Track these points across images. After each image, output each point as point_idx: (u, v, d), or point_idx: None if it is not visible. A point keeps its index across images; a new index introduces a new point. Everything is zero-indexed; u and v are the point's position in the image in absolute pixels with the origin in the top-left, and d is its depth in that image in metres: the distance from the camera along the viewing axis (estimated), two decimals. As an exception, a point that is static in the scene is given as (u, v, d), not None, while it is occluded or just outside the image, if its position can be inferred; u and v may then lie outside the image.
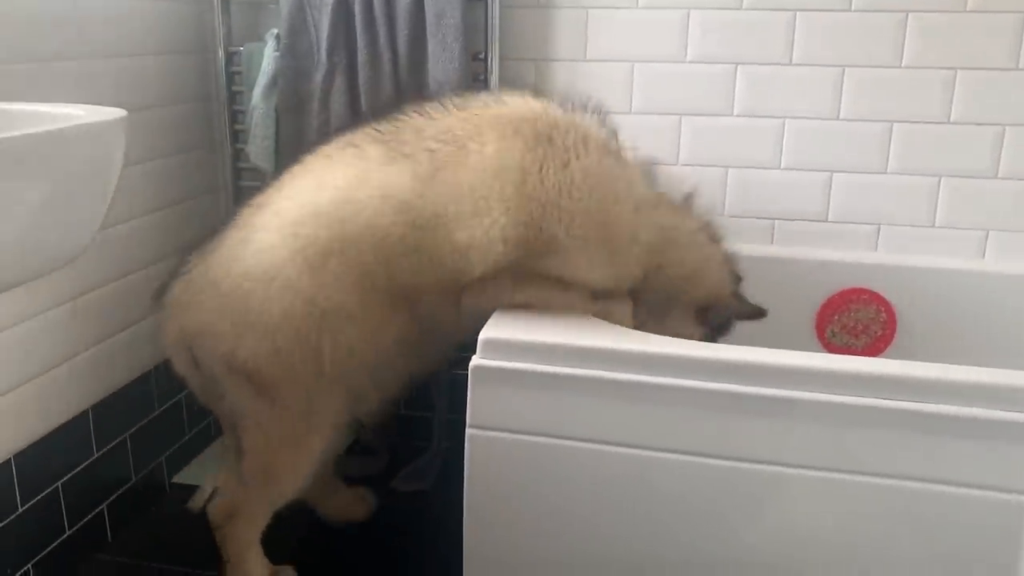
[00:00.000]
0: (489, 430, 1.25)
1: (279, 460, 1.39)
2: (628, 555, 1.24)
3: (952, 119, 1.65)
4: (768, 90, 1.70)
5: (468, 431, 1.25)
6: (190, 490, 1.83)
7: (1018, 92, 1.62)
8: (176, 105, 1.80)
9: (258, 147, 1.72)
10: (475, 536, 1.29)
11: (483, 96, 1.38)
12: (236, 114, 1.85)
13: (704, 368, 1.17)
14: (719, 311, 1.42)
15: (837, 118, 1.69)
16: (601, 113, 1.35)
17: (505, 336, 1.24)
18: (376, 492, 1.83)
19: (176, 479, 1.87)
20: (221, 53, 1.80)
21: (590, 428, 1.21)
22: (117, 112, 0.92)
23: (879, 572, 1.17)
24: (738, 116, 1.72)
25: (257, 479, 1.41)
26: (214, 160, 1.94)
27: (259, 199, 1.40)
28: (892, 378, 1.12)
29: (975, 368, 1.29)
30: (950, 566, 1.14)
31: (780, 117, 1.71)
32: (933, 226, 1.71)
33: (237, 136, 1.86)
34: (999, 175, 1.66)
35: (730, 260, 1.46)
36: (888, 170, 1.70)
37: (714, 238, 1.45)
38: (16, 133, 0.77)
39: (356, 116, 1.70)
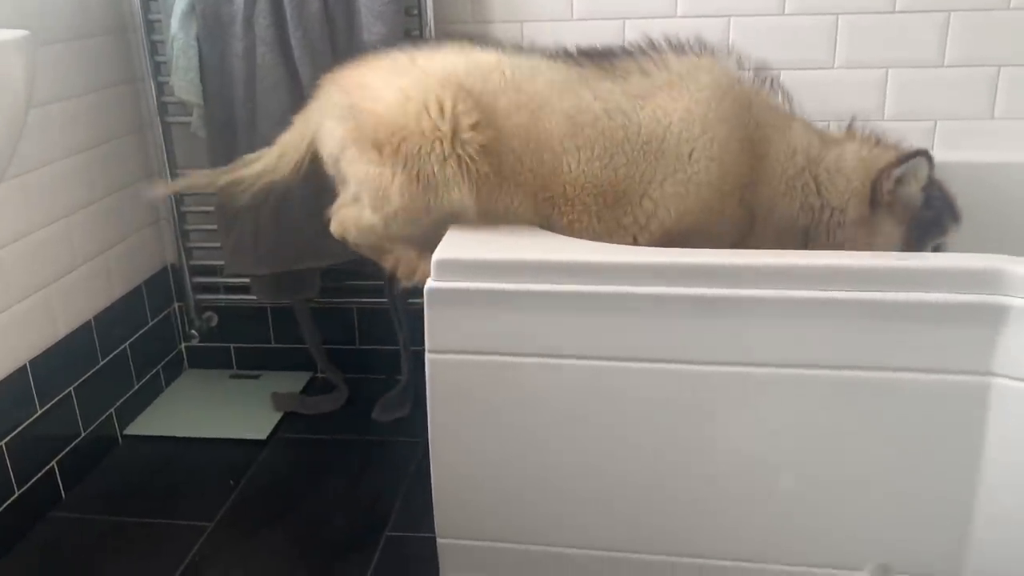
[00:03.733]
0: (448, 353, 1.21)
1: None
2: (594, 467, 1.23)
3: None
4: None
5: (427, 356, 1.22)
6: (143, 441, 1.79)
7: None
8: (89, 38, 1.68)
9: (181, 79, 1.62)
10: (442, 462, 1.27)
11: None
12: (156, 45, 1.74)
13: (655, 272, 1.14)
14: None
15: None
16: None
17: (457, 256, 1.19)
18: (352, 427, 1.82)
19: (128, 431, 1.81)
20: (134, -23, 1.68)
21: (549, 343, 1.18)
22: (17, 32, 0.83)
23: (846, 468, 1.17)
24: (683, 17, 1.67)
25: None
26: (136, 96, 1.83)
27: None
28: (846, 269, 1.10)
29: (933, 255, 1.30)
30: (914, 455, 1.15)
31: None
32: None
33: (159, 68, 1.75)
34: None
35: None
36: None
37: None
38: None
39: (283, 39, 1.60)
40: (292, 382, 1.99)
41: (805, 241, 1.32)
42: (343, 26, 1.61)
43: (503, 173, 1.27)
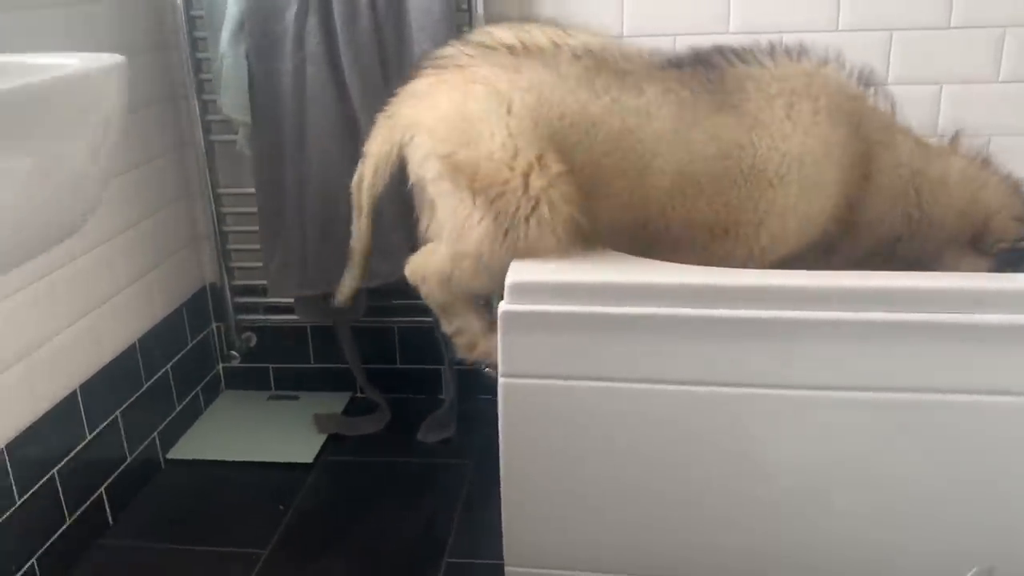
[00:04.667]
0: (523, 377, 1.19)
1: None
2: (671, 494, 1.21)
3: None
4: (765, 4, 1.63)
5: (501, 380, 1.19)
6: (186, 465, 1.76)
7: None
8: (134, 56, 1.65)
9: (231, 98, 1.60)
10: (514, 488, 1.24)
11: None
12: (200, 63, 1.72)
13: (739, 295, 1.12)
14: (1000, 236, 1.30)
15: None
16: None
17: (533, 278, 1.17)
18: (398, 448, 1.79)
19: (171, 455, 1.78)
20: (179, -4, 1.66)
21: (626, 367, 1.16)
22: (114, 58, 0.81)
23: (910, 493, 1.15)
24: (734, 33, 1.65)
25: None
26: (179, 114, 1.81)
27: None
28: (912, 290, 1.09)
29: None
30: (982, 480, 1.13)
31: (776, 31, 1.64)
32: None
33: (203, 86, 1.73)
34: None
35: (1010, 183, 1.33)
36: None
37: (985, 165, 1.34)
38: (13, 84, 0.67)
39: (333, 56, 1.58)
40: (332, 403, 1.96)
41: (894, 249, 1.30)
42: (393, 44, 1.60)
43: (599, 223, 1.22)
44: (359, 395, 1.99)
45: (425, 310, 1.80)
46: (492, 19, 1.66)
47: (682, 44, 1.65)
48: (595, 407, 1.19)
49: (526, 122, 1.18)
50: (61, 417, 1.45)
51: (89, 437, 1.51)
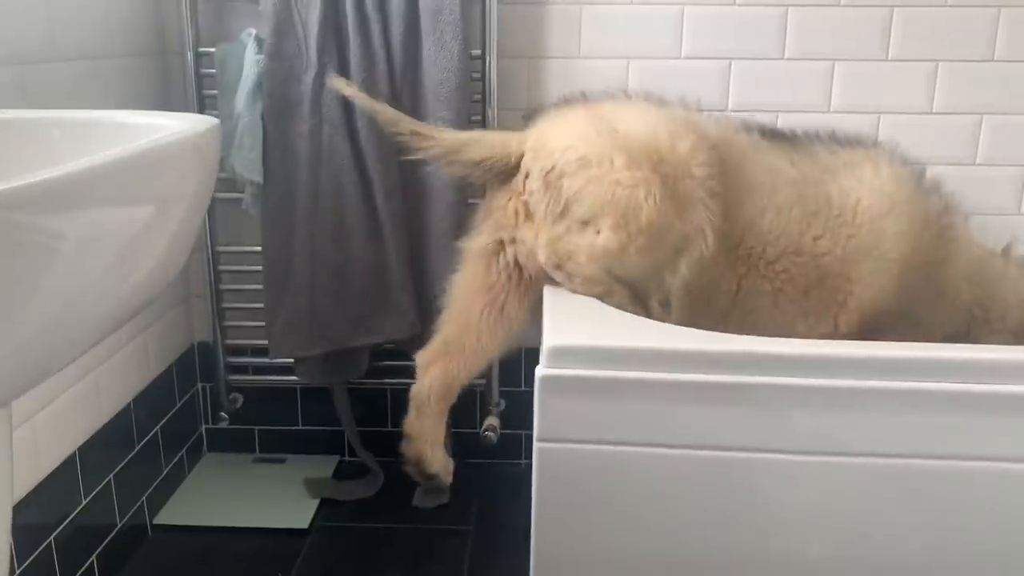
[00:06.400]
0: (559, 442, 1.20)
1: None
2: (707, 563, 1.22)
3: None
4: (762, 85, 1.72)
5: (537, 445, 1.20)
6: (177, 531, 1.70)
7: None
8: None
9: (245, 158, 1.59)
10: (546, 554, 1.24)
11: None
12: (206, 121, 1.71)
13: (774, 362, 1.15)
14: None
15: (828, 111, 1.73)
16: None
17: (573, 343, 1.19)
18: (395, 514, 1.76)
19: (158, 520, 1.71)
20: (191, 55, 1.66)
21: (664, 433, 1.18)
22: (210, 120, 0.81)
23: (911, 559, 1.19)
24: (733, 111, 1.73)
25: None
26: (179, 171, 1.79)
27: None
28: (914, 360, 1.14)
29: None
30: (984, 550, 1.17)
31: (774, 111, 1.73)
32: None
33: (208, 144, 1.72)
34: None
35: None
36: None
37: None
38: (124, 151, 0.67)
39: (350, 121, 1.60)
40: (320, 467, 1.93)
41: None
42: (409, 109, 1.62)
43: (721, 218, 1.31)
44: (347, 459, 1.96)
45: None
46: (504, 89, 1.71)
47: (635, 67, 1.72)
48: (633, 473, 1.20)
49: (670, 115, 1.33)
50: (61, 480, 1.39)
51: (85, 501, 1.45)
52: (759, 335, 1.23)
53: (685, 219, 1.27)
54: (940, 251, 1.33)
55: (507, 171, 1.35)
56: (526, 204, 1.33)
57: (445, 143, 1.36)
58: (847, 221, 1.30)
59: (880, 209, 1.29)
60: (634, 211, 1.25)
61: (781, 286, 1.32)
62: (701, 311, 1.33)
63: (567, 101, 1.43)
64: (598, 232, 1.27)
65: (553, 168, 1.28)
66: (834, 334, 1.34)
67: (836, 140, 1.38)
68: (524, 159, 1.33)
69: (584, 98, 1.42)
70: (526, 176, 1.32)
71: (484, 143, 1.36)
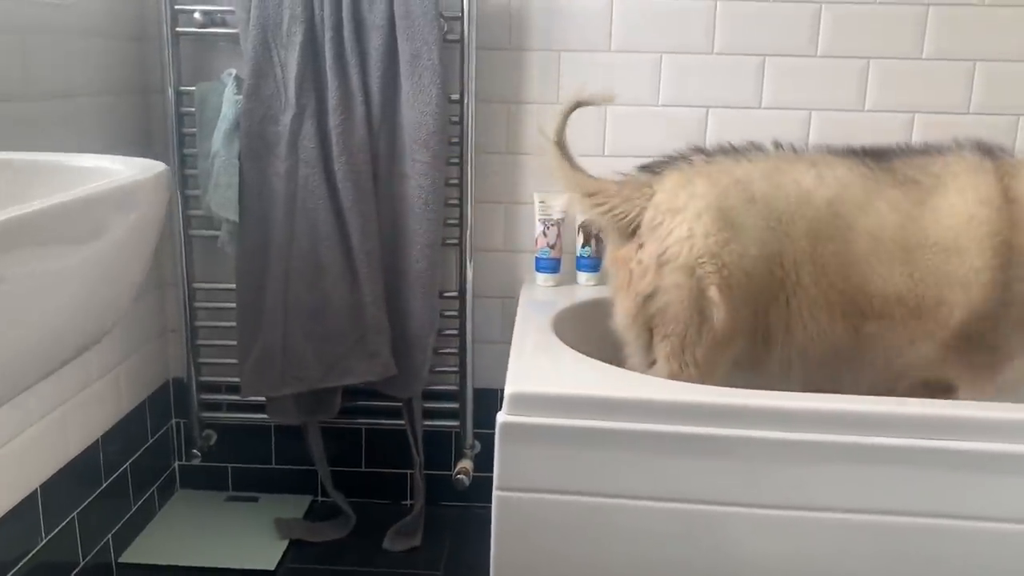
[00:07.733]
0: (519, 491, 1.19)
1: None
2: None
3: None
4: (739, 131, 1.72)
5: (496, 493, 1.19)
6: (142, 570, 1.68)
7: None
8: (120, 150, 1.65)
9: (221, 196, 1.60)
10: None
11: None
12: (186, 158, 1.72)
13: (735, 414, 1.15)
14: None
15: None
16: None
17: (534, 390, 1.18)
18: (364, 557, 1.73)
19: (123, 559, 1.69)
20: (171, 93, 1.67)
21: (626, 483, 1.17)
22: (158, 165, 0.82)
23: None
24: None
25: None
26: (159, 207, 1.80)
27: None
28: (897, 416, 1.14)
29: None
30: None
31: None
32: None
33: (187, 181, 1.73)
34: None
35: None
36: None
37: None
38: (66, 197, 0.67)
39: (327, 162, 1.61)
40: (293, 506, 1.91)
41: None
42: (386, 152, 1.63)
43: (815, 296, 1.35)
44: (320, 499, 1.94)
45: (394, 412, 1.80)
46: (482, 133, 1.72)
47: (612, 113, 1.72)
48: (593, 523, 1.19)
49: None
50: (19, 518, 1.37)
51: (44, 540, 1.44)
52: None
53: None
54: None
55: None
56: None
57: (608, 203, 1.41)
58: (942, 250, 1.32)
59: (971, 232, 1.31)
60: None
61: (884, 327, 1.36)
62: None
63: (685, 158, 1.42)
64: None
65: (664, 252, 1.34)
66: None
67: (940, 150, 1.39)
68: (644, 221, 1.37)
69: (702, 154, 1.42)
70: (639, 247, 1.37)
71: (621, 200, 1.40)
